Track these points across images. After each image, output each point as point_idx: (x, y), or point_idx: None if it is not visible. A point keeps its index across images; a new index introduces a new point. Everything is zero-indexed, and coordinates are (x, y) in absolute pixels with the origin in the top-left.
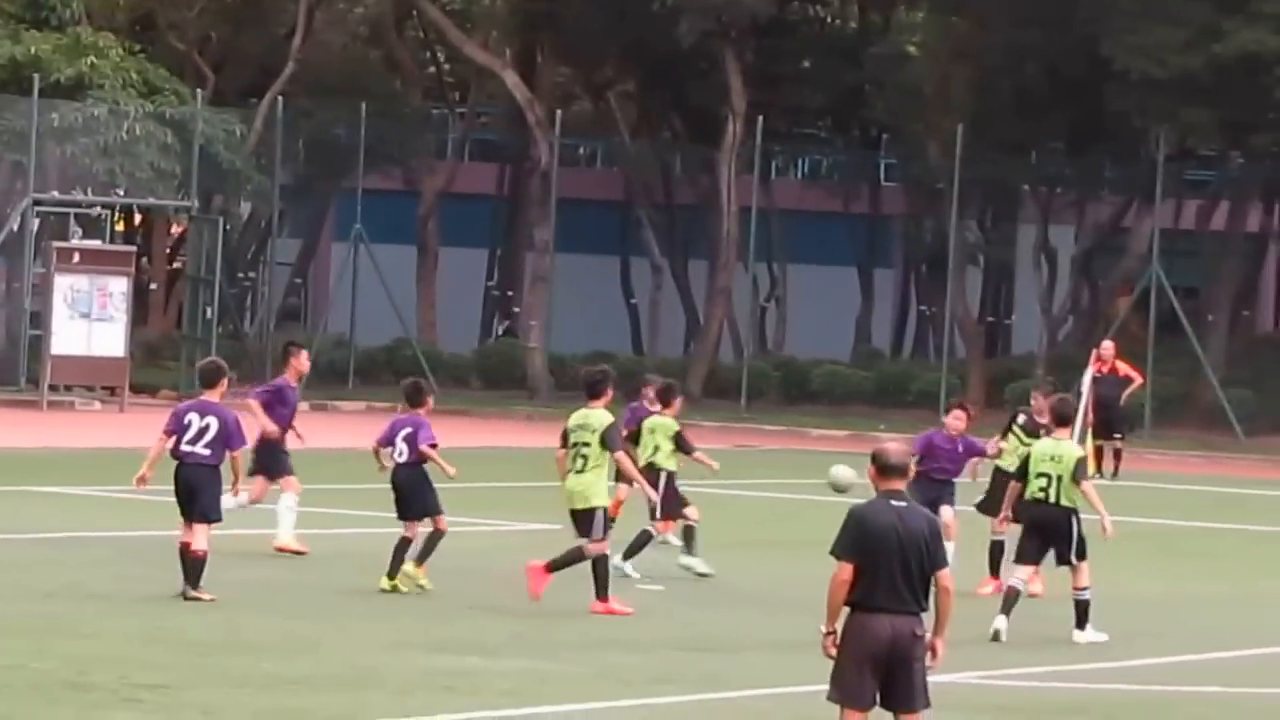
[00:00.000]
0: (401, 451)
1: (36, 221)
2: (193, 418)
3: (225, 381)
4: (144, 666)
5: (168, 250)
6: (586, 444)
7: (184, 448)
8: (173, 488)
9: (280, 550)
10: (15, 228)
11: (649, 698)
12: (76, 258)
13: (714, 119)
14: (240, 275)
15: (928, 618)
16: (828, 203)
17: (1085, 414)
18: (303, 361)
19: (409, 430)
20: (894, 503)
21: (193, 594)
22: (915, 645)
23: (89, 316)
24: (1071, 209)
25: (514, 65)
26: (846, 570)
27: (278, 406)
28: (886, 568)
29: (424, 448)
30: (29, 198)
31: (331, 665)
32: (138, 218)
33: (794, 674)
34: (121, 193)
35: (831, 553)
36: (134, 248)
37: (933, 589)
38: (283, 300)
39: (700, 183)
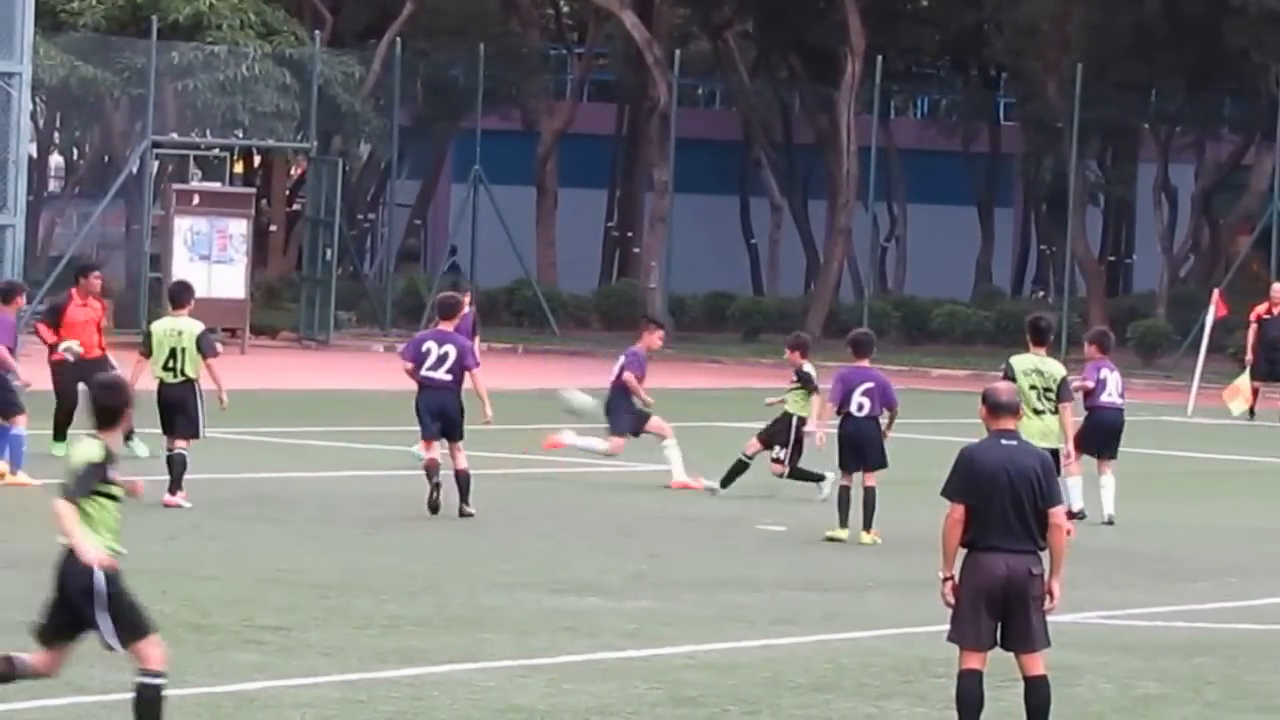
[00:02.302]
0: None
1: (155, 164)
2: (431, 345)
3: (464, 310)
4: (265, 608)
5: (287, 192)
6: None
7: (425, 373)
8: (415, 409)
9: (680, 487)
10: (135, 170)
11: (770, 639)
12: (196, 200)
13: (832, 58)
14: (359, 217)
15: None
16: (946, 142)
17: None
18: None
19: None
20: (1004, 441)
21: (468, 510)
22: (1032, 584)
23: (208, 259)
24: (1191, 147)
25: (632, 5)
26: (958, 511)
27: None
28: (999, 507)
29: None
30: (148, 140)
31: (452, 607)
32: (257, 159)
33: (914, 614)
34: (240, 134)
35: (943, 494)
36: (253, 189)
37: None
38: (402, 242)
39: (819, 122)
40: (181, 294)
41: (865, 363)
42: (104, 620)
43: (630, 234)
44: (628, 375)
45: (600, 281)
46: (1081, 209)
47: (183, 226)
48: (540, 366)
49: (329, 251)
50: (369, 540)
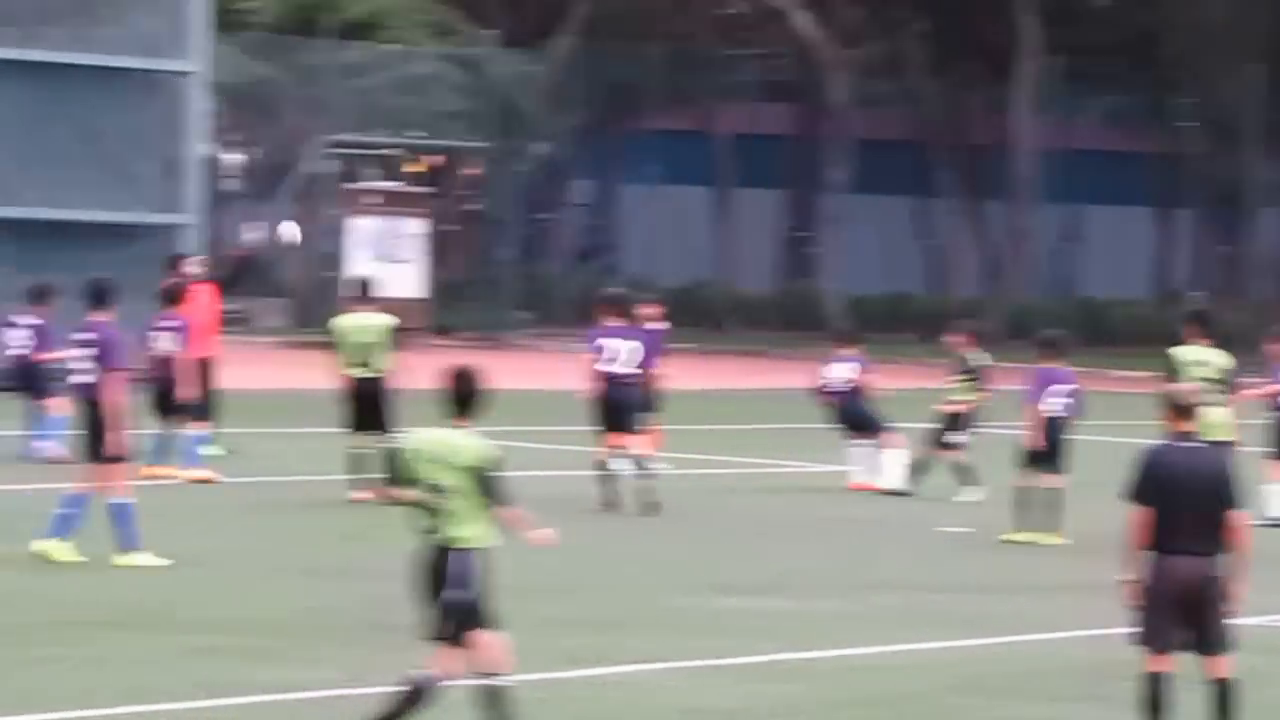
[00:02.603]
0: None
1: (332, 163)
2: (610, 341)
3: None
4: None
5: (463, 191)
6: None
7: (604, 368)
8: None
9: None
10: (311, 169)
11: (959, 639)
12: (373, 199)
13: (1008, 59)
14: (535, 216)
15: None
16: (1124, 142)
17: None
18: None
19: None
20: (1186, 444)
21: (646, 504)
22: (1214, 587)
23: (386, 258)
24: None
25: (807, 5)
26: (1140, 514)
27: None
28: (1180, 510)
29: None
30: (324, 139)
31: (635, 607)
32: (434, 159)
33: (1101, 616)
34: (417, 134)
35: (1125, 497)
36: (429, 189)
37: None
38: (578, 241)
39: (995, 123)
40: (367, 290)
41: (1060, 363)
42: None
43: (807, 234)
44: (866, 377)
45: (778, 282)
46: (1261, 209)
47: (359, 226)
48: (717, 366)
49: (506, 251)
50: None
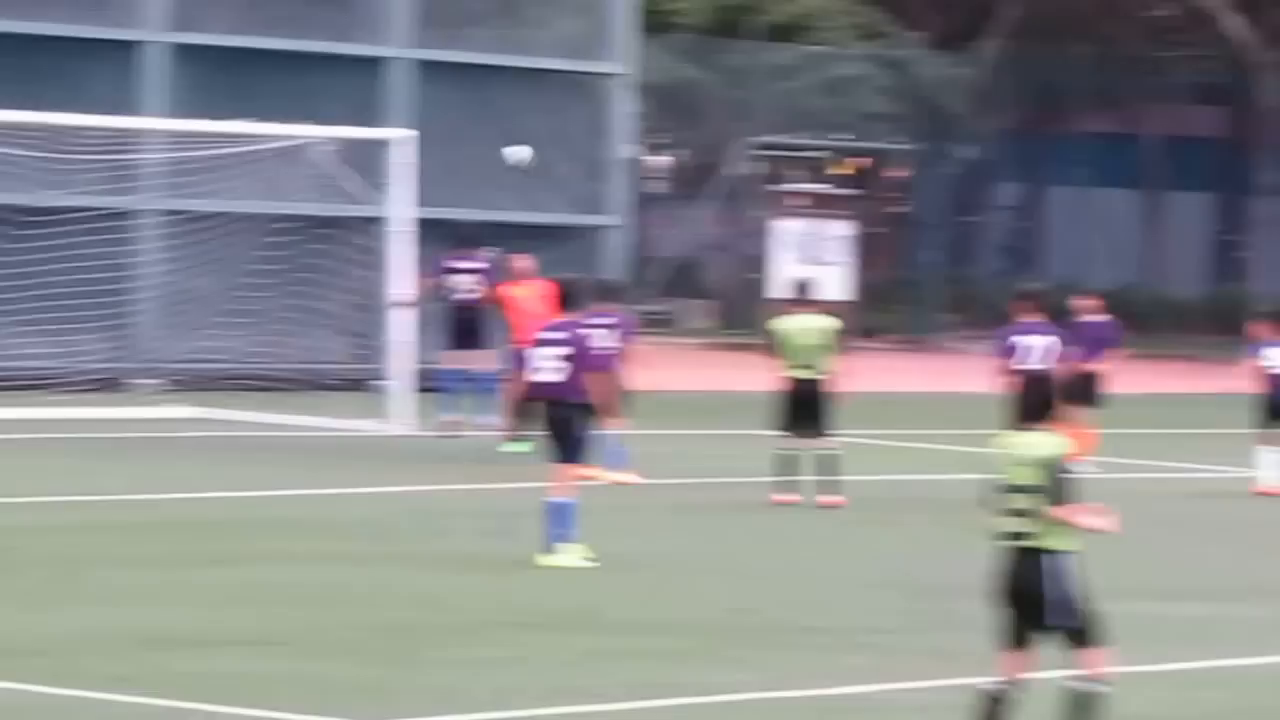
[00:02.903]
0: None
1: (759, 165)
2: (1024, 340)
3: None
4: (875, 611)
5: (889, 194)
6: None
7: (1020, 367)
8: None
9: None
10: (738, 171)
11: None
12: (799, 202)
13: None
14: (961, 218)
15: None
16: None
17: None
18: None
19: None
20: None
21: None
22: None
23: (812, 260)
24: None
25: (1237, 8)
26: None
27: None
28: None
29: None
30: (750, 141)
31: None
32: (858, 161)
33: None
34: (843, 136)
35: None
36: (855, 191)
37: None
38: (1005, 243)
39: None
40: (806, 292)
41: None
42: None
43: (1236, 238)
44: None
45: (1207, 286)
46: None
47: (785, 228)
48: (1150, 371)
49: (932, 254)
50: (976, 543)
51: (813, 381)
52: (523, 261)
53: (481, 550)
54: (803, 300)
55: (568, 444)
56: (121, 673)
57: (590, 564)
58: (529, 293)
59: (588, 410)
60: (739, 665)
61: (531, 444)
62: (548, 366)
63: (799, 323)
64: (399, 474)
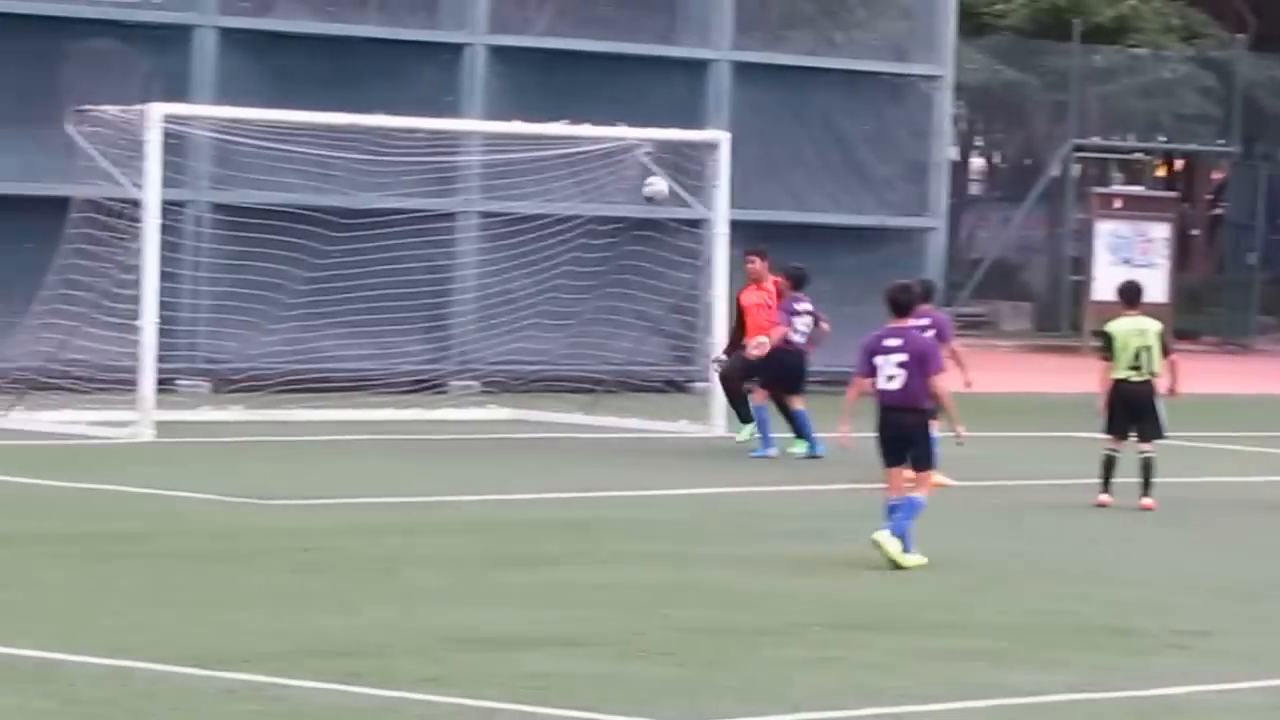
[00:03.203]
0: None
1: (1077, 167)
2: None
3: None
4: (1187, 613)
5: (1209, 196)
6: None
7: None
8: None
9: None
10: (1056, 173)
11: None
12: (1118, 203)
13: None
14: None
15: None
16: None
17: None
18: None
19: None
20: None
21: None
22: None
23: (1130, 262)
24: None
25: None
26: None
27: None
28: None
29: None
30: (1070, 143)
31: None
32: (1178, 163)
33: None
34: (1162, 138)
35: None
36: (1175, 193)
37: None
38: None
39: None
40: (1135, 293)
41: None
42: None
43: None
44: None
45: None
46: None
47: (1104, 230)
48: None
49: (1251, 255)
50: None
51: (1141, 384)
52: (755, 265)
53: (796, 551)
54: (1133, 302)
55: (918, 449)
56: (435, 673)
57: (922, 562)
58: (760, 297)
59: (928, 415)
60: (1054, 666)
61: (807, 444)
62: (889, 373)
63: (1129, 324)
64: (715, 475)
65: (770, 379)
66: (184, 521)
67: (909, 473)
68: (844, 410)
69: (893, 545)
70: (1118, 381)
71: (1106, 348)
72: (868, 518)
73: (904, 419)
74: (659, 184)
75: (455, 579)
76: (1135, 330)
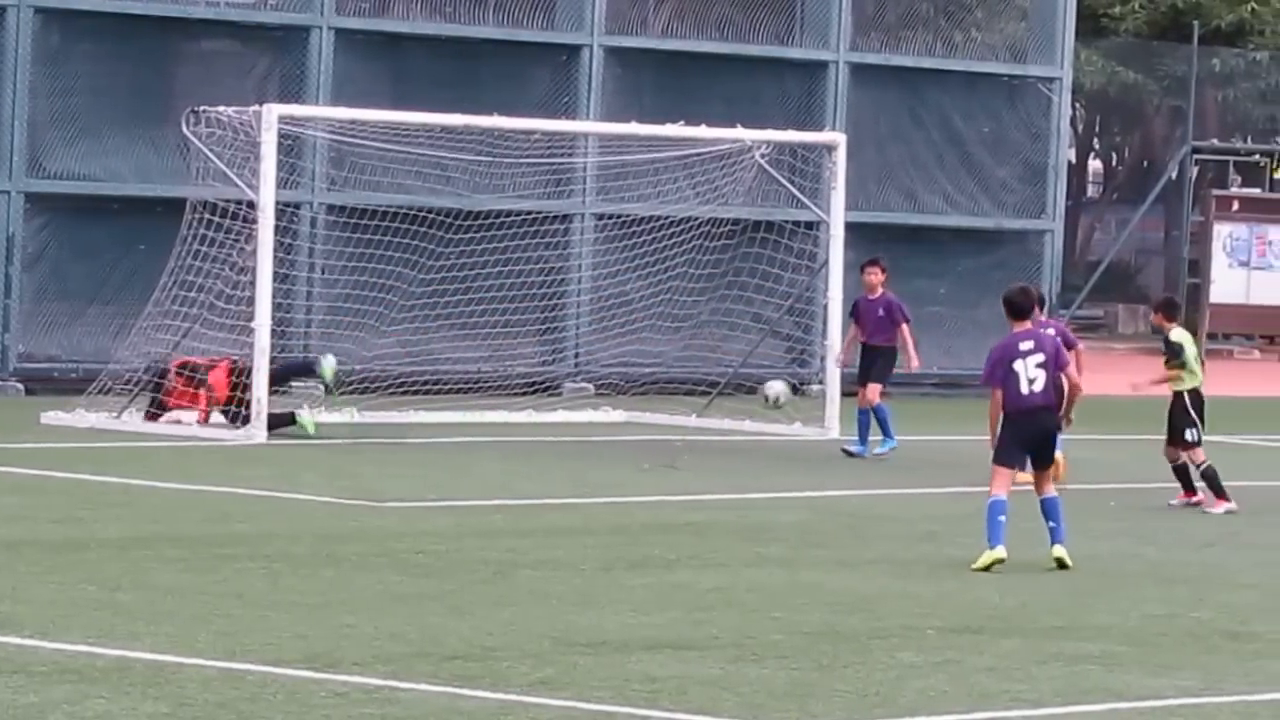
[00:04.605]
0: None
1: (1195, 169)
2: None
3: None
4: None
5: None
6: None
7: None
8: None
9: None
10: (1174, 175)
11: None
12: (1235, 205)
13: None
14: None
15: None
16: None
17: None
18: None
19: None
20: None
21: None
22: None
23: (1247, 264)
24: None
25: None
26: None
27: None
28: None
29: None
30: (1188, 145)
31: None
32: None
33: None
34: None
35: None
36: None
37: None
38: None
39: None
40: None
41: None
42: None
43: None
44: None
45: None
46: None
47: (1222, 233)
48: None
49: None
50: None
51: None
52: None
53: (910, 554)
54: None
55: (1051, 448)
56: (546, 676)
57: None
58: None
59: (1056, 415)
60: (1167, 670)
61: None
62: (1033, 375)
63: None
64: (831, 478)
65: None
66: (296, 524)
67: (1023, 474)
68: (992, 421)
69: (1065, 552)
70: (1197, 389)
71: (1178, 355)
72: (981, 519)
73: (1048, 421)
74: (779, 386)
75: (568, 581)
76: (1192, 340)
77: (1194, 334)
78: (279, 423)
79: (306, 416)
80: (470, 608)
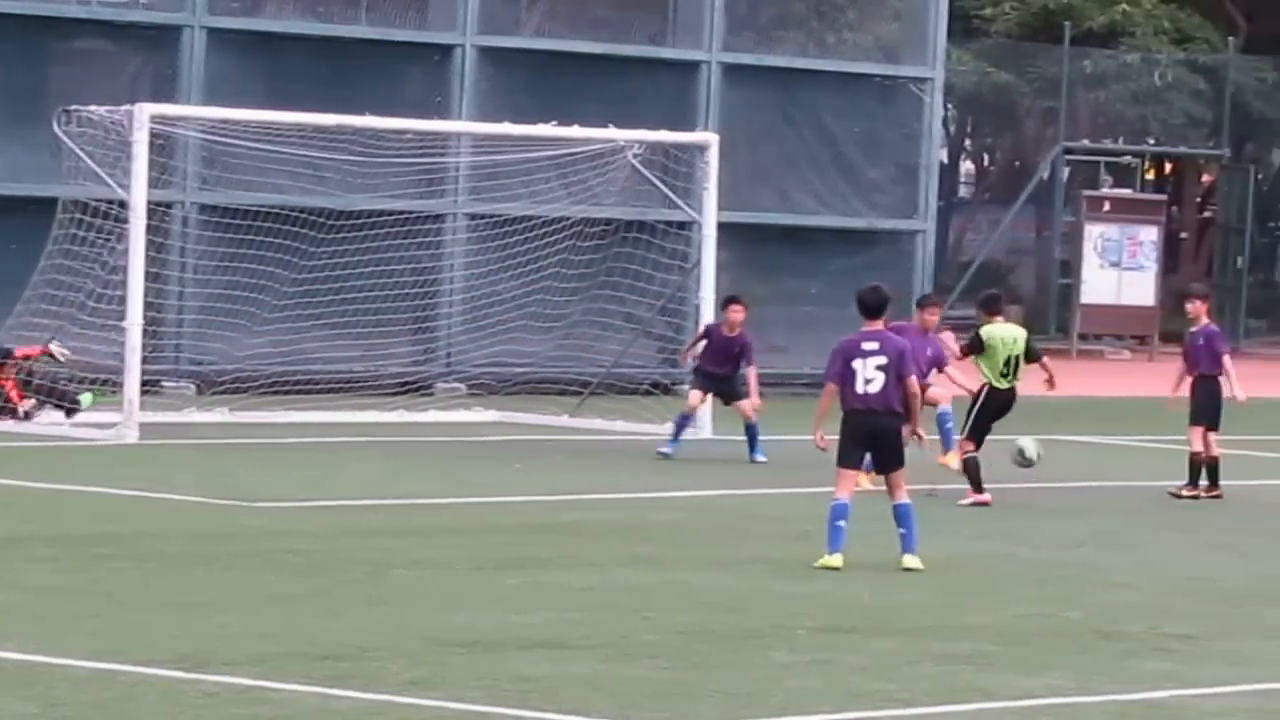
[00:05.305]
0: None
1: (1067, 170)
2: None
3: None
4: (1174, 616)
5: (1198, 199)
6: None
7: None
8: None
9: None
10: (1045, 176)
11: None
12: (1106, 206)
13: None
14: (1271, 224)
15: None
16: None
17: None
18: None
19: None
20: None
21: None
22: None
23: (1119, 265)
24: None
25: None
26: None
27: None
28: None
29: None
30: (1060, 146)
31: None
32: (1168, 166)
33: None
34: (1152, 141)
35: None
36: (1164, 196)
37: None
38: None
39: None
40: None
41: None
42: None
43: None
44: None
45: None
46: None
47: (1093, 233)
48: None
49: (1240, 259)
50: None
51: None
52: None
53: (783, 554)
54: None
55: (892, 453)
56: (419, 676)
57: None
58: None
59: (900, 418)
60: (1039, 670)
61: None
62: (868, 377)
63: (1001, 331)
64: (701, 478)
65: None
66: (168, 524)
67: (863, 478)
68: (817, 416)
69: (917, 561)
70: (993, 388)
71: (977, 349)
72: (856, 520)
73: (883, 422)
74: (1032, 444)
75: (441, 581)
76: (1010, 338)
77: (1065, 334)
78: (73, 410)
79: (87, 396)
80: (343, 608)
